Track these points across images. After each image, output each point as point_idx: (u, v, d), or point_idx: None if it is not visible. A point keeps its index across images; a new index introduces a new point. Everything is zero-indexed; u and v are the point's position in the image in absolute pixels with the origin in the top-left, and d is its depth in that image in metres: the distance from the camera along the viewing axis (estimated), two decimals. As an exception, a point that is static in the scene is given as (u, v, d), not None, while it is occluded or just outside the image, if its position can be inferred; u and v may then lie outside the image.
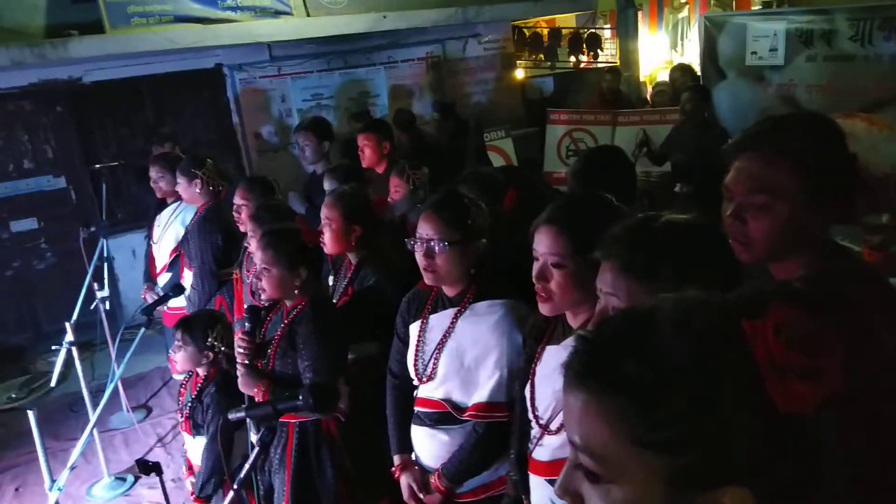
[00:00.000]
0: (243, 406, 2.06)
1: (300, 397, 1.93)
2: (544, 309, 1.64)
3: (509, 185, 2.78)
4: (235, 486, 1.82)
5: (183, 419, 2.85)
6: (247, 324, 2.48)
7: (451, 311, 2.12)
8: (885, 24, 5.17)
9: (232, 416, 1.96)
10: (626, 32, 7.69)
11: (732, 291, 0.88)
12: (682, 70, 7.06)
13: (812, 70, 5.68)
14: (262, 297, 2.58)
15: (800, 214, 1.31)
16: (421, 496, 2.17)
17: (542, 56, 9.99)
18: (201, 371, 2.83)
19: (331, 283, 2.87)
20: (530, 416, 1.76)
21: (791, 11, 6.80)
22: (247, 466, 1.82)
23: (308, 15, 6.00)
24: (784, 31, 5.81)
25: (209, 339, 2.77)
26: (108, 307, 4.44)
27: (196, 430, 2.80)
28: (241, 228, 3.42)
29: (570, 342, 1.17)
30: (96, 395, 3.88)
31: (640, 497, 0.69)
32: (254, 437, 2.41)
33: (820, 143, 1.34)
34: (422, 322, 2.17)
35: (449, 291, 2.14)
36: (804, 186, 1.30)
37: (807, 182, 1.30)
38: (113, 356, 4.10)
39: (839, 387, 0.69)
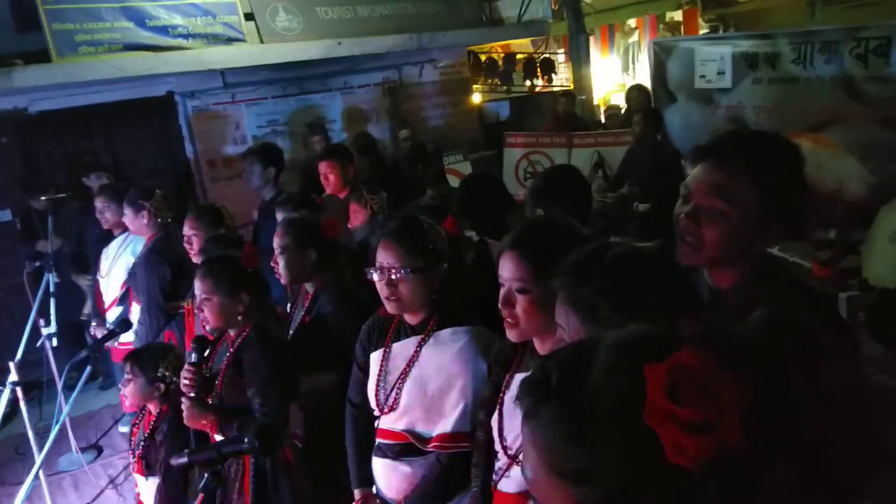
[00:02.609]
0: (186, 451, 1.97)
1: (245, 440, 1.86)
2: (511, 335, 1.62)
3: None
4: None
5: (135, 459, 2.73)
6: (193, 355, 2.41)
7: (414, 340, 2.07)
8: (824, 47, 5.34)
9: (175, 461, 1.88)
10: (578, 57, 7.83)
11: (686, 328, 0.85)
12: (638, 90, 7.19)
13: (758, 92, 5.84)
14: (207, 327, 2.51)
15: (750, 226, 1.36)
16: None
17: (497, 81, 10.12)
18: (153, 408, 2.72)
19: (289, 312, 2.81)
20: (497, 446, 1.72)
21: (736, 36, 7.02)
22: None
23: (262, 42, 5.96)
24: (730, 55, 5.96)
25: (160, 370, 2.68)
26: (54, 344, 4.26)
27: (149, 470, 2.68)
28: (194, 259, 3.33)
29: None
30: (43, 436, 3.69)
31: None
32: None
33: (780, 162, 1.39)
34: (384, 350, 2.12)
35: (411, 319, 2.09)
36: (759, 200, 1.35)
37: (762, 197, 1.35)
38: (60, 394, 3.93)
39: (735, 443, 0.65)
